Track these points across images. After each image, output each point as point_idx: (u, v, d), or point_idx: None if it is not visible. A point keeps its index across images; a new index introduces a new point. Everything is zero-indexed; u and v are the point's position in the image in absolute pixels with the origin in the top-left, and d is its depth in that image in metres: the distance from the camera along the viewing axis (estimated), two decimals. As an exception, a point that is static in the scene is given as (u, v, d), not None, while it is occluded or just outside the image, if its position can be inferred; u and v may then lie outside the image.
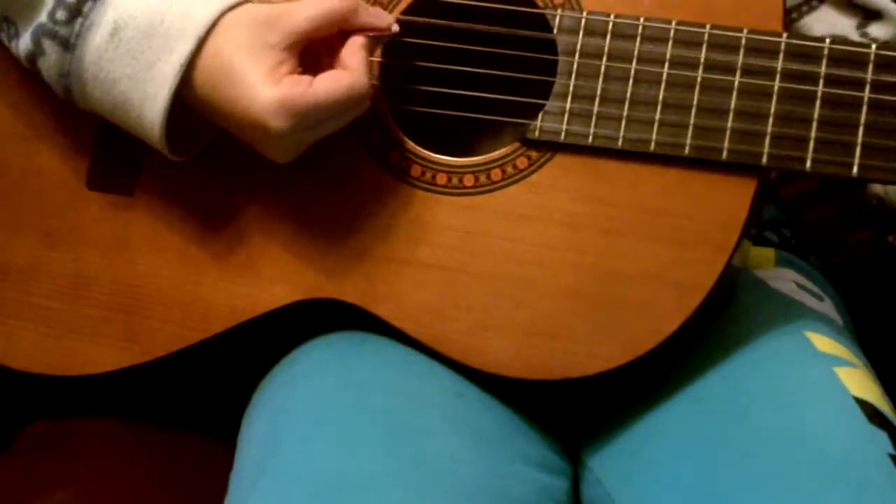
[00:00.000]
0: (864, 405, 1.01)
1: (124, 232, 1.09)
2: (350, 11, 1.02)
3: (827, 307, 1.18)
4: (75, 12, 1.02)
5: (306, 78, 1.00)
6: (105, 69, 1.02)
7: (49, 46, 1.03)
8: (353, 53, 1.02)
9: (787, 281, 1.18)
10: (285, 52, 1.00)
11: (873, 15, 1.13)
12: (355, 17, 1.02)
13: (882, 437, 0.99)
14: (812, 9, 1.14)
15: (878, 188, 1.17)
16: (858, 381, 1.03)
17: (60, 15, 1.02)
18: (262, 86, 0.99)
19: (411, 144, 1.06)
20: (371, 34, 1.03)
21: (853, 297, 1.26)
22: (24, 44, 1.04)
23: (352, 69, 1.01)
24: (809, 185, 1.25)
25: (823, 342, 1.07)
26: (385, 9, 1.07)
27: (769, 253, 1.24)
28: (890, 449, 0.98)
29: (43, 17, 1.03)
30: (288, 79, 0.99)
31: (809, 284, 1.20)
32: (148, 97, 1.01)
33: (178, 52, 1.01)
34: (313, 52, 1.02)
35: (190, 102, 1.03)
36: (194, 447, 1.16)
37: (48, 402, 1.17)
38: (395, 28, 1.04)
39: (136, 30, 1.01)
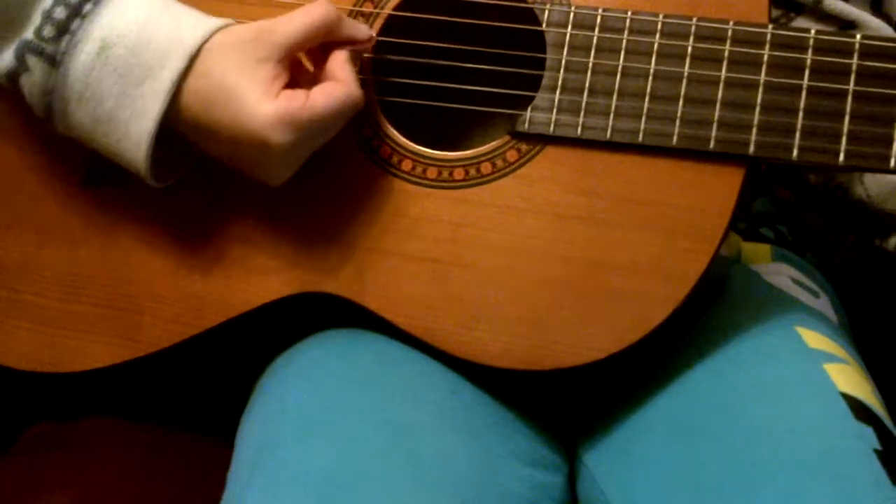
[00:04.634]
0: (851, 401, 1.00)
1: (117, 228, 1.10)
2: (334, 22, 1.03)
3: (822, 304, 1.18)
4: (63, 29, 1.01)
5: (302, 91, 1.00)
6: (91, 87, 1.01)
7: (34, 63, 1.02)
8: (341, 66, 1.02)
9: (783, 276, 1.18)
10: (279, 66, 1.00)
11: (849, 25, 1.14)
12: (339, 28, 1.03)
13: (868, 433, 0.98)
14: (790, 20, 1.15)
15: (861, 193, 1.17)
16: (848, 378, 1.03)
17: (48, 31, 1.01)
18: (260, 102, 0.99)
19: (402, 139, 1.07)
20: (351, 48, 1.04)
21: (851, 295, 1.26)
22: (4, 61, 1.03)
23: (343, 81, 1.02)
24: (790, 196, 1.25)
25: (814, 338, 1.07)
26: (376, 6, 1.07)
27: (765, 249, 1.24)
28: (875, 445, 0.97)
29: (29, 34, 1.02)
30: (285, 93, 0.99)
31: (806, 280, 1.20)
32: (136, 114, 1.01)
33: (168, 70, 1.00)
34: (295, 65, 1.03)
35: (177, 126, 1.03)
36: (194, 447, 1.16)
37: (48, 402, 1.17)
38: (373, 41, 1.05)
39: (124, 48, 1.01)
